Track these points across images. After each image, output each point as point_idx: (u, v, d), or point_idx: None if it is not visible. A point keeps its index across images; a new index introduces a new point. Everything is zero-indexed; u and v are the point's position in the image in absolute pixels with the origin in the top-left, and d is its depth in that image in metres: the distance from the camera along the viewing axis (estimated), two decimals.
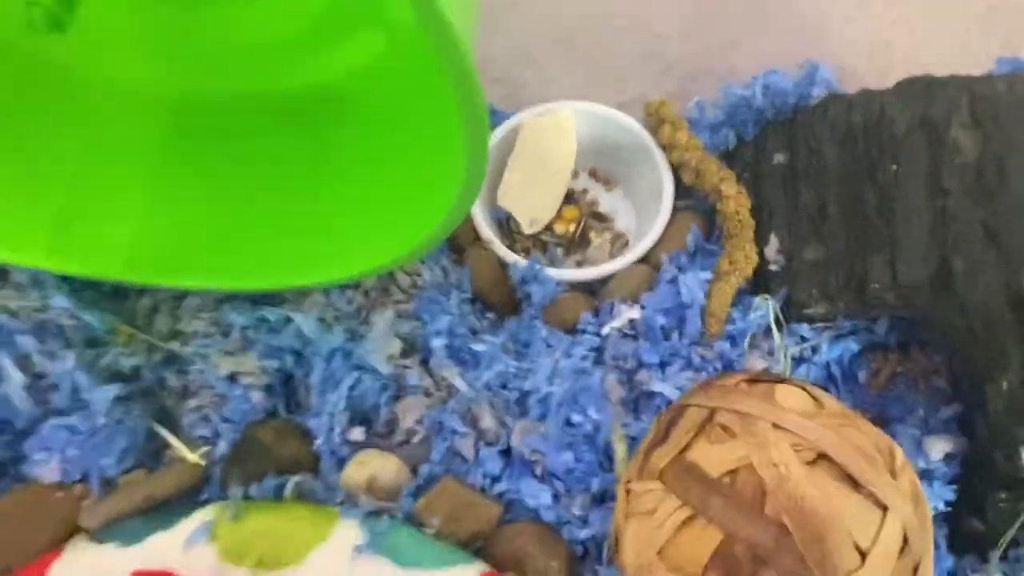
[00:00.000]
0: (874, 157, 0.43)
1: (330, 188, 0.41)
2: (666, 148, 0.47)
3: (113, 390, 0.38)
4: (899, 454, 0.29)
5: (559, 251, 0.49)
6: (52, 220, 0.40)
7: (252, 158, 0.43)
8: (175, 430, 0.39)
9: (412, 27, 0.37)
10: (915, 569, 0.28)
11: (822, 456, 0.28)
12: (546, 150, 0.48)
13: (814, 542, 0.26)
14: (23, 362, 0.38)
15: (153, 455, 0.39)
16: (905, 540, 0.27)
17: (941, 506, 0.37)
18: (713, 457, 0.28)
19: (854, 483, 0.27)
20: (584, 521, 0.37)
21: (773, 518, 0.26)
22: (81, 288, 0.41)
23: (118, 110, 0.42)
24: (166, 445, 0.39)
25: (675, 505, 0.28)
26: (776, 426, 0.28)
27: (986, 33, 0.55)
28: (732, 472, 0.28)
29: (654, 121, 0.48)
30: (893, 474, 0.28)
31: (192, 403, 0.40)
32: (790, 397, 0.30)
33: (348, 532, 0.34)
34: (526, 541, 0.36)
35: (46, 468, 0.37)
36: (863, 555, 0.26)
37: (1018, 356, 0.36)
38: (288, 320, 0.39)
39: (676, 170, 0.47)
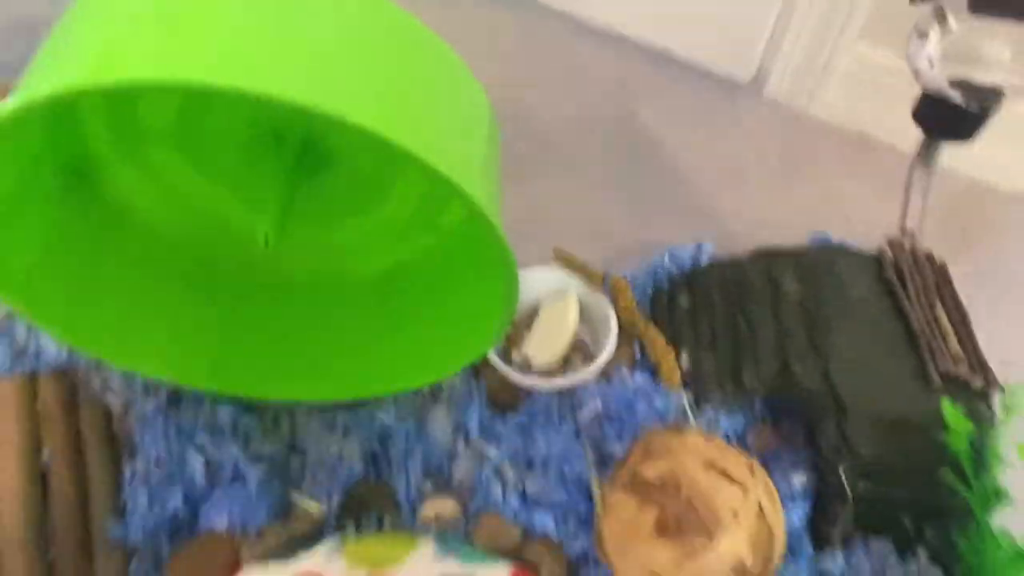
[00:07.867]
0: (741, 299, 0.67)
1: (396, 330, 0.63)
2: (619, 310, 0.70)
3: (262, 468, 0.57)
4: (755, 464, 0.51)
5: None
6: (213, 357, 0.61)
7: (343, 311, 0.65)
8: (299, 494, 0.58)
9: (455, 229, 0.61)
10: (770, 533, 0.49)
11: (710, 464, 0.49)
12: (558, 321, 0.71)
13: (708, 509, 0.47)
14: (201, 451, 0.57)
15: (283, 513, 0.58)
16: (761, 510, 0.49)
17: (803, 515, 0.58)
18: (650, 470, 0.50)
19: (729, 478, 0.49)
20: (576, 536, 0.56)
21: (685, 499, 0.48)
22: (229, 402, 0.61)
23: (258, 289, 0.64)
24: (292, 507, 0.58)
25: (632, 501, 0.49)
26: (683, 448, 0.50)
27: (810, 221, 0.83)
28: (661, 476, 0.49)
29: (614, 292, 0.72)
30: (752, 473, 0.50)
31: (308, 476, 0.59)
32: (691, 436, 0.52)
33: (427, 543, 0.53)
34: (541, 551, 0.55)
35: (219, 521, 0.55)
36: (736, 515, 0.47)
37: (831, 414, 0.58)
38: (374, 417, 0.60)
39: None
